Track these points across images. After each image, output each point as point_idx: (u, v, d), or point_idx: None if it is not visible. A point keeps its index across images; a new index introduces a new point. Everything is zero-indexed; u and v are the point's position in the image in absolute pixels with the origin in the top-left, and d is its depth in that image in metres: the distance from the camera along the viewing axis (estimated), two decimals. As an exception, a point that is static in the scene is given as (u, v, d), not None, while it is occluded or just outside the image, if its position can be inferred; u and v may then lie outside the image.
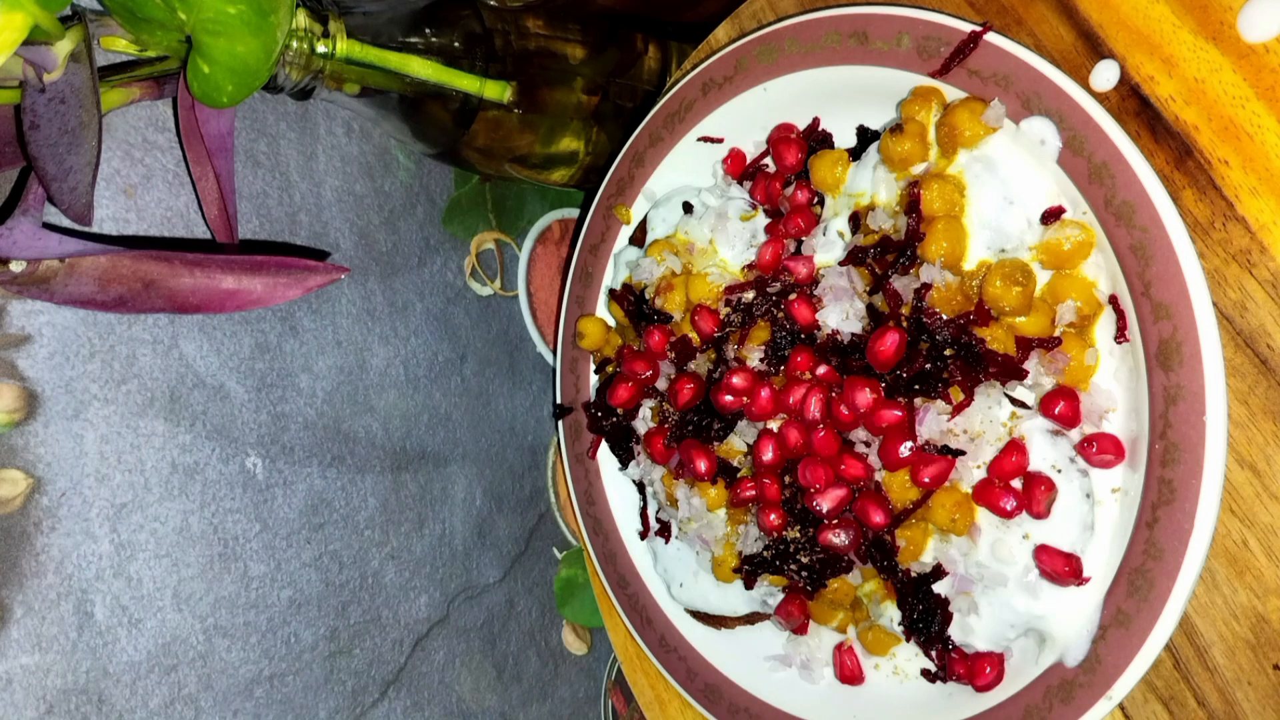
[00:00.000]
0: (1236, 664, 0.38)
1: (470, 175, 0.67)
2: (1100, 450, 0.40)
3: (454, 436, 0.66)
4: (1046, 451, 0.41)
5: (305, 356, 0.58)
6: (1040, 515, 0.40)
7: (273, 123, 0.56)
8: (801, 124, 0.52)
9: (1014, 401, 0.42)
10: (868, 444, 0.45)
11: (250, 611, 0.55)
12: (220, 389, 0.53)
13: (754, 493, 0.48)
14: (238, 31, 0.42)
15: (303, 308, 0.57)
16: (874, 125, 0.49)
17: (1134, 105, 0.40)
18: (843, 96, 0.49)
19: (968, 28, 0.42)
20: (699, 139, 0.54)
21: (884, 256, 0.44)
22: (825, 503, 0.45)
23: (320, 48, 0.47)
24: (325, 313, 0.59)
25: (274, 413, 0.56)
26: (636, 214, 0.58)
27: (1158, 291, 0.37)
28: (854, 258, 0.46)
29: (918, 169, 0.44)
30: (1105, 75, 0.41)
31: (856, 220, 0.47)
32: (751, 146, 0.54)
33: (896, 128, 0.44)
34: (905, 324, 0.43)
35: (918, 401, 0.43)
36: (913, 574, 0.44)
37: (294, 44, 0.46)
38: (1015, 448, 0.41)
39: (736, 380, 0.48)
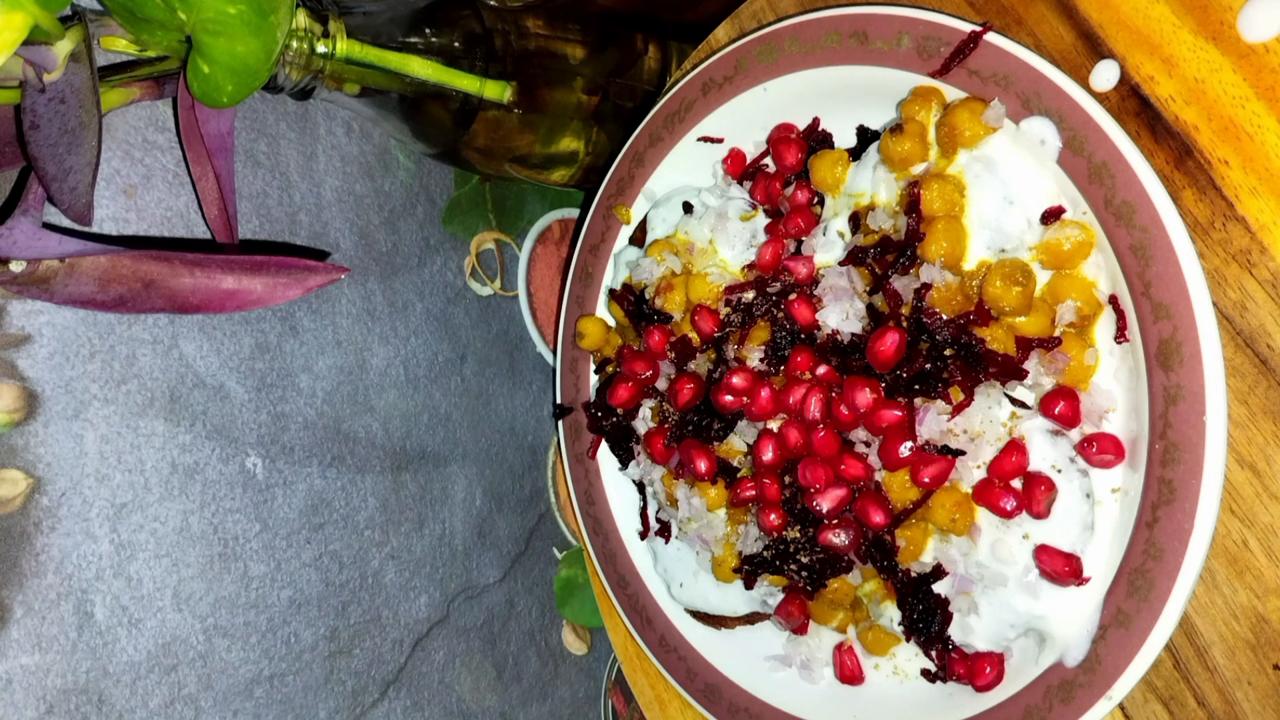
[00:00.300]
0: (1236, 664, 0.38)
1: (470, 175, 0.67)
2: (1100, 450, 0.40)
3: (454, 436, 0.66)
4: (1046, 451, 0.41)
5: (305, 356, 0.58)
6: (1040, 515, 0.40)
7: (273, 123, 0.56)
8: (801, 124, 0.52)
9: (1014, 401, 0.42)
10: (868, 444, 0.45)
11: (250, 611, 0.55)
12: (220, 389, 0.53)
13: (754, 493, 0.48)
14: (238, 31, 0.42)
15: (303, 308, 0.57)
16: (874, 125, 0.49)
17: (1134, 105, 0.40)
18: (843, 96, 0.49)
19: (968, 28, 0.42)
20: (699, 139, 0.54)
21: (884, 256, 0.44)
22: (825, 503, 0.45)
23: (320, 48, 0.47)
24: (325, 313, 0.59)
25: (274, 413, 0.56)
26: (636, 214, 0.58)
27: (1158, 291, 0.37)
28: (854, 258, 0.46)
29: (918, 169, 0.44)
30: (1105, 75, 0.41)
31: (856, 220, 0.47)
32: (751, 146, 0.54)
33: (896, 128, 0.44)
34: (905, 324, 0.43)
35: (918, 401, 0.43)
36: (913, 574, 0.44)
37: (294, 44, 0.46)
38: (1015, 448, 0.41)
39: (736, 380, 0.48)
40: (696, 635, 0.55)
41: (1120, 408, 0.40)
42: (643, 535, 0.58)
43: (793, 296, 0.47)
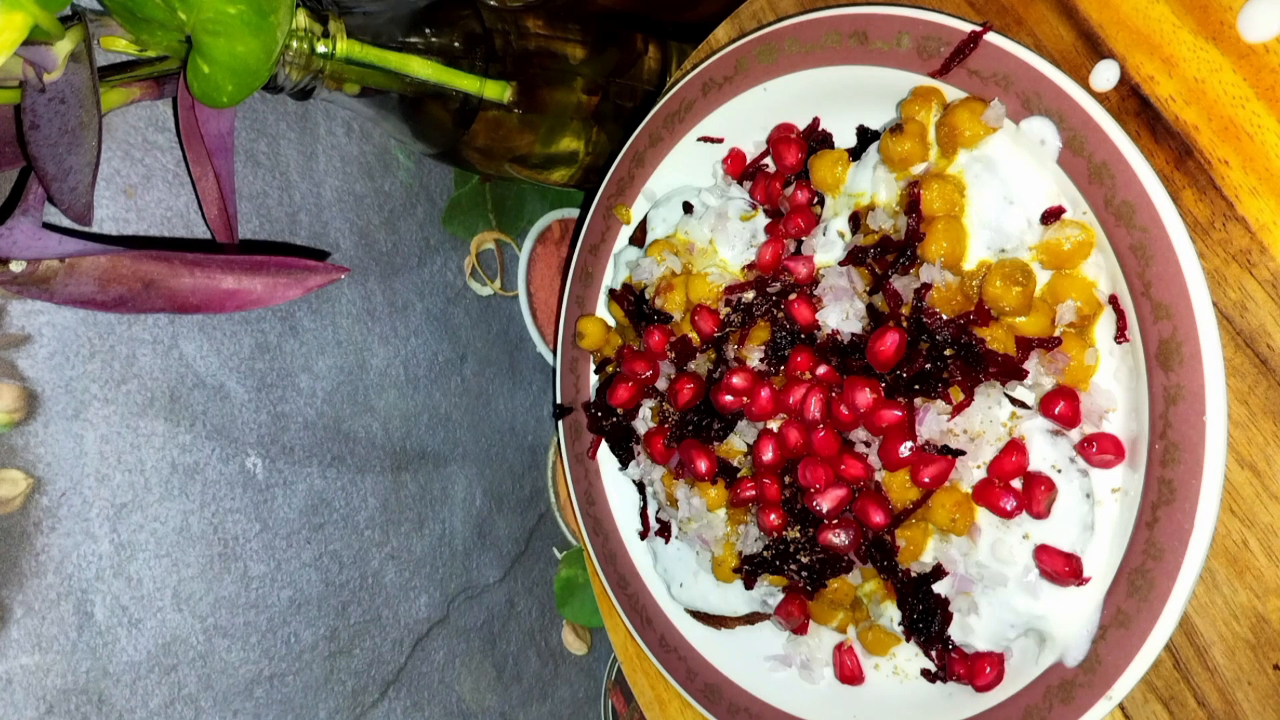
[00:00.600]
0: (1236, 664, 0.38)
1: (470, 175, 0.67)
2: (1100, 450, 0.40)
3: (454, 436, 0.66)
4: (1046, 451, 0.41)
5: (305, 356, 0.58)
6: (1040, 515, 0.40)
7: (273, 123, 0.56)
8: (801, 124, 0.52)
9: (1014, 401, 0.42)
10: (868, 444, 0.45)
11: (250, 611, 0.55)
12: (220, 389, 0.53)
13: (754, 493, 0.48)
14: (238, 31, 0.42)
15: (303, 308, 0.57)
16: (874, 125, 0.49)
17: (1134, 105, 0.40)
18: (843, 96, 0.49)
19: (968, 28, 0.42)
20: (699, 139, 0.54)
21: (884, 256, 0.44)
22: (825, 503, 0.45)
23: (320, 48, 0.47)
24: (325, 313, 0.59)
25: (274, 413, 0.56)
26: (636, 214, 0.58)
27: (1158, 291, 0.37)
28: (854, 258, 0.46)
29: (918, 169, 0.44)
30: (1105, 75, 0.41)
31: (856, 220, 0.47)
32: (751, 146, 0.54)
33: (896, 128, 0.44)
34: (905, 324, 0.43)
35: (918, 401, 0.43)
36: (913, 574, 0.44)
37: (294, 44, 0.46)
38: (1015, 448, 0.41)
39: (736, 380, 0.48)
40: (696, 635, 0.55)
41: (1120, 408, 0.40)
42: (643, 535, 0.58)
43: (793, 296, 0.47)
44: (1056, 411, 0.40)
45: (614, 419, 0.57)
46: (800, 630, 0.50)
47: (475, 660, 0.67)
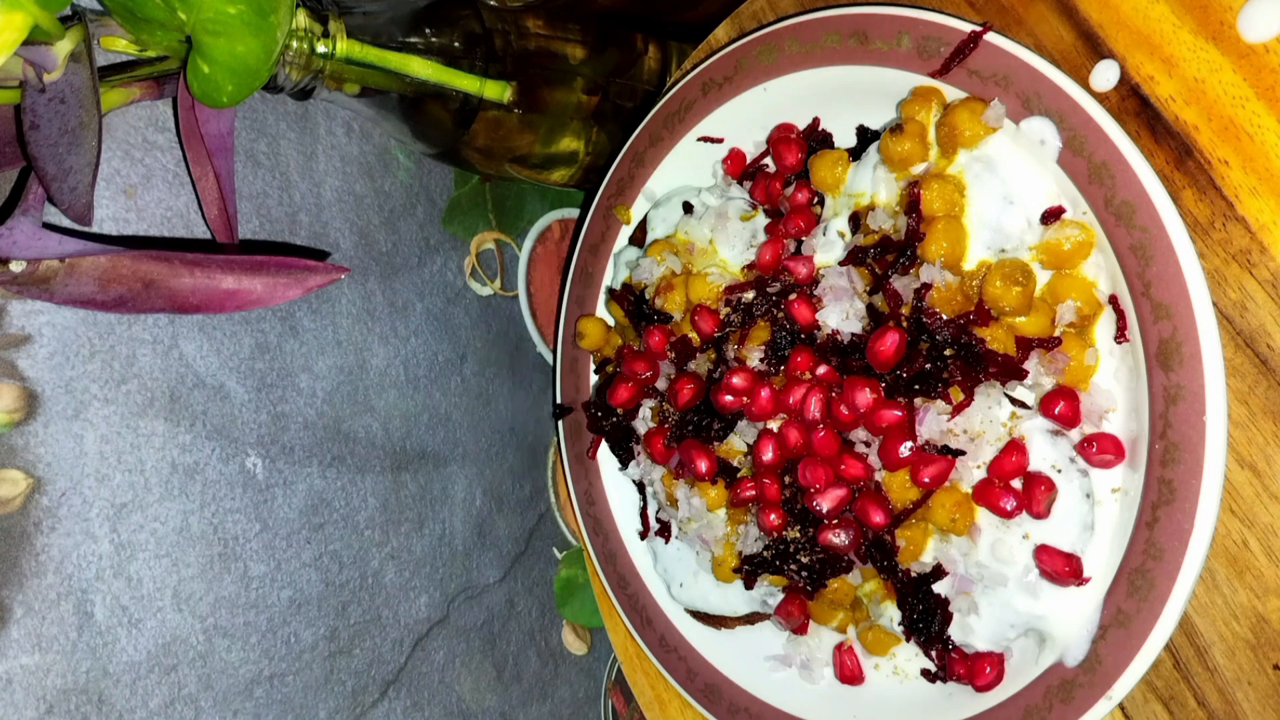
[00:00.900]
0: (1236, 664, 0.38)
1: (470, 175, 0.67)
2: (1100, 450, 0.40)
3: (454, 436, 0.66)
4: (1046, 451, 0.41)
5: (305, 356, 0.58)
6: (1040, 515, 0.40)
7: (273, 123, 0.56)
8: (801, 124, 0.52)
9: (1014, 401, 0.42)
10: (868, 444, 0.45)
11: (250, 611, 0.55)
12: (220, 389, 0.53)
13: (754, 493, 0.48)
14: (238, 31, 0.42)
15: (303, 308, 0.57)
16: (874, 125, 0.49)
17: (1134, 105, 0.40)
18: (843, 96, 0.49)
19: (968, 28, 0.42)
20: (699, 139, 0.54)
21: (884, 256, 0.44)
22: (825, 503, 0.45)
23: (320, 48, 0.47)
24: (325, 313, 0.59)
25: (274, 413, 0.56)
26: (636, 214, 0.58)
27: (1158, 291, 0.37)
28: (854, 258, 0.46)
29: (918, 169, 0.44)
30: (1105, 75, 0.41)
31: (856, 220, 0.47)
32: (751, 146, 0.54)
33: (896, 128, 0.44)
34: (905, 324, 0.43)
35: (918, 401, 0.43)
36: (913, 574, 0.44)
37: (294, 44, 0.46)
38: (1015, 448, 0.41)
39: (736, 380, 0.48)
40: (696, 635, 0.55)
41: (1120, 408, 0.40)
42: (643, 535, 0.58)
43: (793, 296, 0.47)
44: (1056, 411, 0.40)
45: (614, 419, 0.57)
46: (800, 630, 0.50)
47: (475, 660, 0.67)
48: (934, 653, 0.44)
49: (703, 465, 0.50)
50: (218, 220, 0.50)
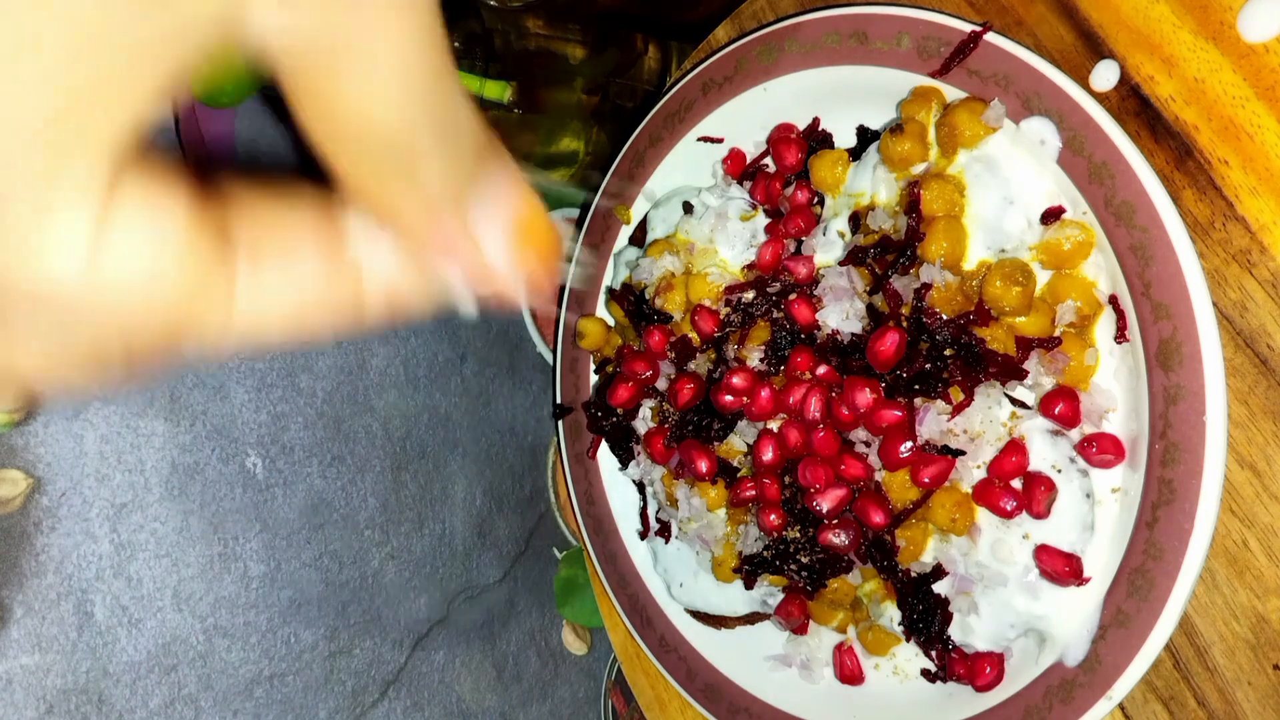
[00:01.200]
0: (1236, 664, 0.38)
1: (470, 175, 0.67)
2: (1100, 450, 0.40)
3: (454, 436, 0.66)
4: (1046, 451, 0.41)
5: (305, 356, 0.58)
6: (1040, 515, 0.40)
7: (273, 123, 0.56)
8: (801, 124, 0.52)
9: (1014, 401, 0.42)
10: (868, 444, 0.45)
11: (250, 611, 0.55)
12: (220, 389, 0.53)
13: (754, 493, 0.48)
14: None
15: (303, 308, 0.57)
16: (874, 125, 0.49)
17: (1134, 105, 0.40)
18: (843, 96, 0.49)
19: (968, 28, 0.42)
20: (699, 139, 0.54)
21: (884, 256, 0.44)
22: (825, 503, 0.45)
23: (320, 48, 0.47)
24: (325, 313, 0.59)
25: (274, 413, 0.56)
26: (636, 214, 0.58)
27: (1158, 291, 0.37)
28: (854, 258, 0.46)
29: (918, 169, 0.44)
30: (1105, 75, 0.41)
31: (856, 220, 0.47)
32: (751, 146, 0.54)
33: (896, 128, 0.44)
34: (905, 324, 0.43)
35: (918, 401, 0.43)
36: (913, 574, 0.44)
37: (294, 44, 0.46)
38: (1015, 448, 0.41)
39: (736, 380, 0.48)
40: (696, 635, 0.55)
41: (1120, 408, 0.40)
42: (643, 535, 0.58)
43: (793, 296, 0.47)
44: (1056, 411, 0.40)
45: (614, 419, 0.57)
46: (800, 630, 0.50)
47: (475, 660, 0.67)
48: (934, 653, 0.44)
49: (703, 465, 0.50)
50: (218, 220, 0.50)
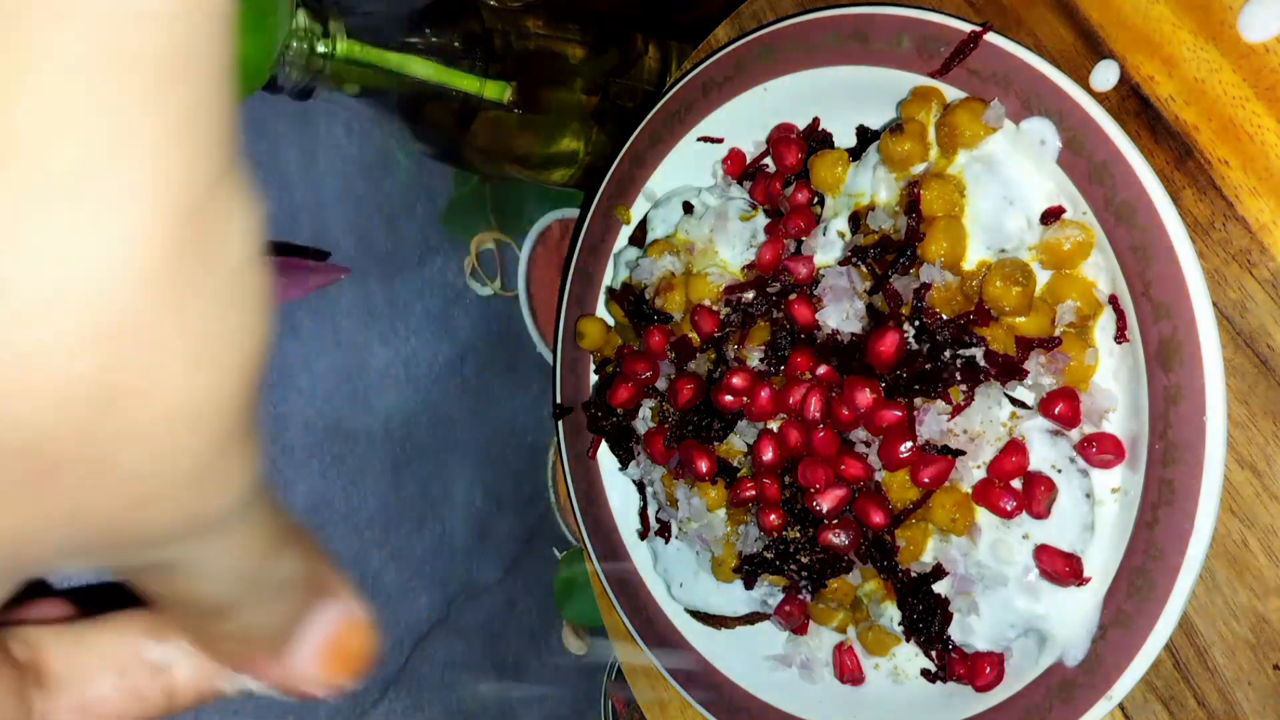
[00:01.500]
0: (1236, 664, 0.38)
1: (470, 175, 0.67)
2: (1100, 450, 0.40)
3: (454, 436, 0.66)
4: (1046, 451, 0.41)
5: (305, 356, 0.58)
6: (1040, 515, 0.40)
7: (273, 123, 0.56)
8: (801, 124, 0.52)
9: (1014, 401, 0.42)
10: (868, 444, 0.45)
11: (250, 611, 0.54)
12: (220, 389, 0.53)
13: (754, 493, 0.48)
14: (238, 31, 0.42)
15: (303, 308, 0.57)
16: (874, 125, 0.49)
17: (1134, 105, 0.40)
18: (843, 96, 0.49)
19: (968, 28, 0.42)
20: (699, 139, 0.54)
21: (884, 256, 0.44)
22: (825, 503, 0.45)
23: (320, 48, 0.47)
24: (325, 313, 0.59)
25: (274, 413, 0.56)
26: (636, 214, 0.58)
27: (1158, 291, 0.37)
28: (854, 258, 0.46)
29: (918, 169, 0.44)
30: (1105, 75, 0.41)
31: (856, 220, 0.47)
32: (751, 146, 0.54)
33: (896, 128, 0.44)
34: (911, 324, 0.43)
35: (918, 401, 0.43)
36: (913, 574, 0.44)
37: (294, 44, 0.46)
38: (1015, 448, 0.41)
39: (736, 380, 0.48)
40: (696, 635, 0.55)
41: (1120, 408, 0.40)
42: (643, 535, 0.58)
43: (793, 296, 0.47)
44: (1056, 411, 0.40)
45: (614, 419, 0.57)
46: (800, 630, 0.50)
47: (475, 660, 0.67)
48: (934, 653, 0.44)
49: (703, 465, 0.50)
50: (218, 220, 0.49)
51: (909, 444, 0.43)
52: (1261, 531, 0.37)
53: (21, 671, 0.17)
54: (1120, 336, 0.40)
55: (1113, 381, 0.40)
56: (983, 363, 0.41)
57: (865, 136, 0.49)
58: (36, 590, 0.19)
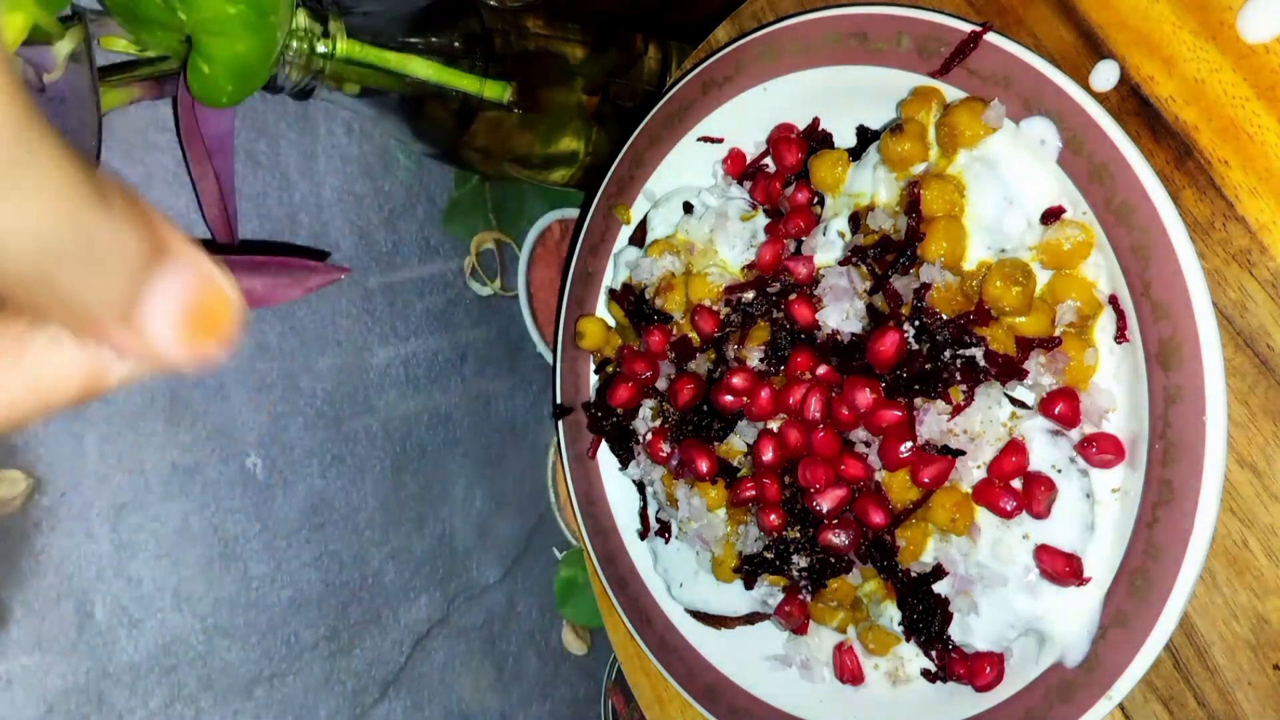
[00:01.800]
0: (1236, 664, 0.38)
1: (470, 175, 0.67)
2: (1100, 450, 0.40)
3: (454, 436, 0.66)
4: (1046, 451, 0.41)
5: (305, 356, 0.58)
6: (1040, 515, 0.40)
7: (273, 123, 0.56)
8: (801, 124, 0.52)
9: (1014, 401, 0.42)
10: (868, 444, 0.45)
11: (250, 611, 0.55)
12: (220, 389, 0.53)
13: (754, 493, 0.48)
14: (238, 31, 0.42)
15: (303, 308, 0.57)
16: (874, 125, 0.49)
17: (1134, 105, 0.40)
18: (843, 96, 0.49)
19: (968, 28, 0.42)
20: (699, 139, 0.54)
21: (884, 256, 0.44)
22: (825, 503, 0.45)
23: (320, 48, 0.47)
24: (325, 313, 0.59)
25: (274, 413, 0.56)
26: (636, 214, 0.58)
27: (1158, 291, 0.37)
28: (854, 258, 0.46)
29: (918, 169, 0.44)
30: (1105, 75, 0.41)
31: (856, 220, 0.47)
32: (751, 146, 0.54)
33: (896, 128, 0.44)
34: (913, 324, 0.43)
35: (918, 401, 0.43)
36: (913, 574, 0.44)
37: (294, 44, 0.46)
38: (1015, 448, 0.41)
39: (736, 380, 0.48)
40: (696, 635, 0.55)
41: (1120, 408, 0.40)
42: (643, 535, 0.58)
43: (793, 296, 0.47)
44: (1056, 411, 0.40)
45: (614, 419, 0.57)
46: (800, 630, 0.50)
47: (475, 660, 0.67)
48: (934, 653, 0.44)
49: (703, 465, 0.50)
50: (218, 220, 0.50)
51: (909, 444, 0.43)
52: (1261, 531, 0.37)
53: None
54: (1120, 336, 0.40)
55: (1113, 381, 0.40)
56: (983, 363, 0.41)
57: (865, 136, 0.49)
58: None
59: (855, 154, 0.48)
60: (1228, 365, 0.38)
